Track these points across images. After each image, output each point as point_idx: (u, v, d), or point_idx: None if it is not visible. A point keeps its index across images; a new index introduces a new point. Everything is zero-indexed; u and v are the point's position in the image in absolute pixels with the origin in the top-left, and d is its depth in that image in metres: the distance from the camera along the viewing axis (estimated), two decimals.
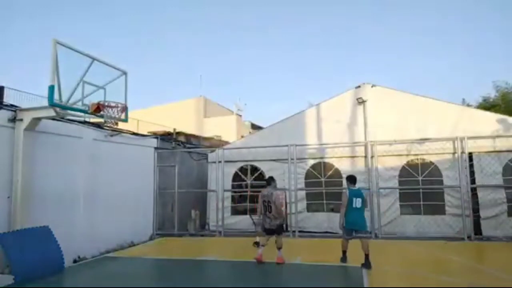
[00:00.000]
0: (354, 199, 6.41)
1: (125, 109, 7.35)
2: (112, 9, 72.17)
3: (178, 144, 12.54)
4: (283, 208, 6.83)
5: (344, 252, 6.68)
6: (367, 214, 9.65)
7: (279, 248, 6.83)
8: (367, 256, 6.29)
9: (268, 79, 72.95)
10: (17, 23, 62.50)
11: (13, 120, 6.59)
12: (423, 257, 7.10)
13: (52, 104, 6.01)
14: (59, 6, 68.41)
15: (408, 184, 9.75)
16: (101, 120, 7.41)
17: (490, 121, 9.54)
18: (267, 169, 11.08)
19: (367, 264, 6.21)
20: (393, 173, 9.94)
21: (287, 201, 10.49)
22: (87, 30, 69.05)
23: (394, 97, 10.37)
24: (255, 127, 27.61)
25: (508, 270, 5.89)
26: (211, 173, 11.55)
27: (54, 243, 6.58)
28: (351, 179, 6.76)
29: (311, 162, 10.83)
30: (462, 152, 9.30)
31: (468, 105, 19.84)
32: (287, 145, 10.42)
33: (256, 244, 7.79)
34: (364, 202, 6.56)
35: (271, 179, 7.19)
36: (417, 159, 9.89)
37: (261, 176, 11.16)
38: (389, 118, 10.19)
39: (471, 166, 9.31)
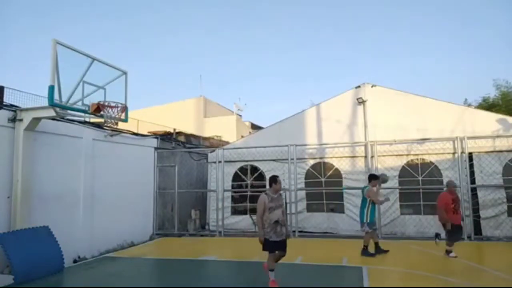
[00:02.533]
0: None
1: (125, 109, 7.35)
2: (112, 9, 72.19)
3: (178, 144, 12.54)
4: (260, 217, 5.32)
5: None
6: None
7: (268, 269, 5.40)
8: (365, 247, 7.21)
9: (268, 79, 72.99)
10: (17, 23, 62.51)
11: (13, 120, 6.59)
12: (423, 257, 7.09)
13: (52, 104, 6.01)
14: (59, 6, 68.42)
15: (408, 184, 9.75)
16: (101, 120, 7.41)
17: (490, 121, 9.54)
18: (267, 169, 11.08)
19: (363, 253, 7.16)
20: (393, 173, 9.93)
21: (287, 201, 10.50)
22: (87, 30, 69.07)
23: (394, 97, 10.37)
24: (255, 127, 27.58)
25: (508, 270, 5.88)
26: (211, 173, 11.55)
27: (54, 243, 6.58)
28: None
29: (311, 162, 10.83)
30: (462, 152, 9.30)
31: (469, 105, 19.79)
32: (287, 145, 10.41)
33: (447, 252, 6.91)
34: (363, 198, 7.39)
35: (270, 180, 5.70)
36: (417, 159, 9.88)
37: (261, 176, 11.17)
38: (389, 118, 10.18)
39: (471, 166, 9.31)
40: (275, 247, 5.28)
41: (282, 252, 5.40)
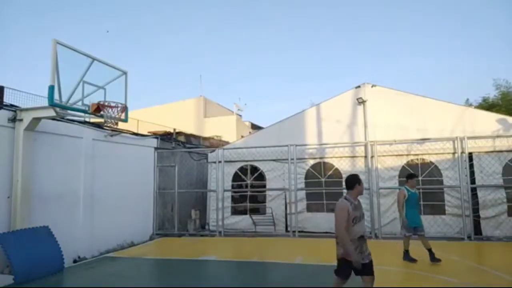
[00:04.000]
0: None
1: (125, 109, 7.36)
2: (112, 9, 72.20)
3: (178, 144, 12.54)
4: (346, 230, 3.75)
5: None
6: (367, 214, 9.81)
7: None
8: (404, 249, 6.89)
9: (268, 79, 73.00)
10: (17, 23, 62.52)
11: (13, 120, 6.60)
12: (423, 257, 7.09)
13: (52, 104, 6.02)
14: (59, 6, 68.43)
15: None
16: (101, 120, 7.41)
17: (490, 121, 9.53)
18: (267, 169, 11.10)
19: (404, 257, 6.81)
20: (393, 173, 9.93)
21: (287, 201, 10.49)
22: (87, 30, 69.08)
23: (394, 97, 10.37)
24: (255, 127, 27.58)
25: (508, 270, 5.88)
26: (211, 173, 11.56)
27: (54, 243, 6.59)
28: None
29: (311, 162, 10.83)
30: (462, 152, 9.30)
31: (470, 105, 19.77)
32: (287, 145, 10.42)
33: None
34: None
35: (351, 180, 4.01)
36: (417, 159, 9.88)
37: (261, 176, 11.18)
38: (389, 118, 10.18)
39: (471, 166, 9.31)
40: (360, 271, 3.76)
41: (371, 277, 3.84)
